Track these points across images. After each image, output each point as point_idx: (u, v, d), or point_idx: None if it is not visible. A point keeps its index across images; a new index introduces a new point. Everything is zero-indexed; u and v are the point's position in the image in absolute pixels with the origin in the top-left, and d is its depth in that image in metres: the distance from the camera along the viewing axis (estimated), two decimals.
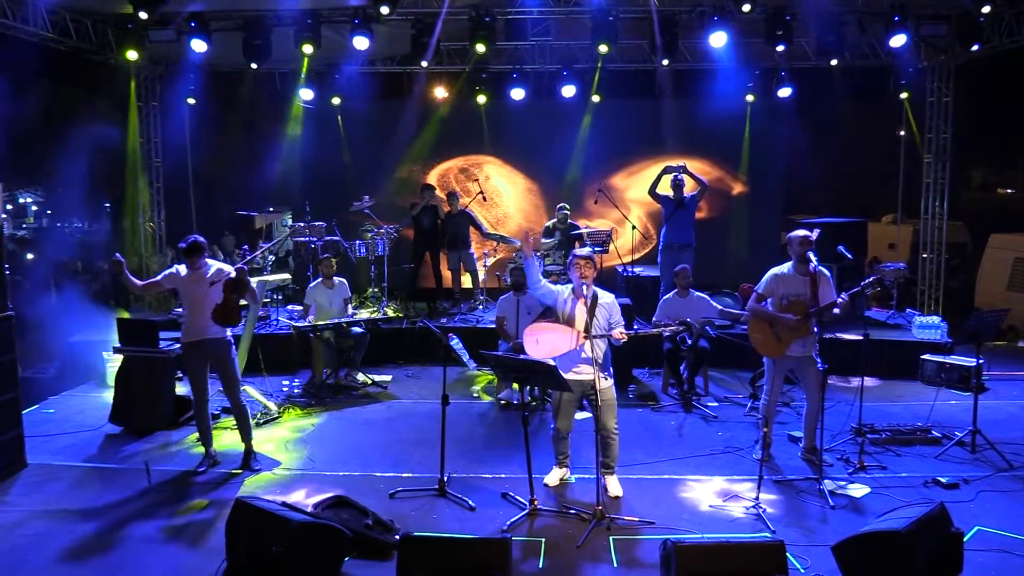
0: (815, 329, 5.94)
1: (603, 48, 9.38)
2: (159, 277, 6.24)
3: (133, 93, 11.25)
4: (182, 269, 6.08)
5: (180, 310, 6.16)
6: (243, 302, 6.28)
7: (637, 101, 12.44)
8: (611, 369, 5.66)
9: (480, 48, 9.43)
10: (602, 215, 12.03)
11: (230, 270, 6.00)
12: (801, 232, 6.03)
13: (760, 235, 12.08)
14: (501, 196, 12.94)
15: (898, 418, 7.27)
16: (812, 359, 5.98)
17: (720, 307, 8.26)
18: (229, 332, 6.18)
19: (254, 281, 7.77)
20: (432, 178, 12.68)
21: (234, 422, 6.47)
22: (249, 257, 6.36)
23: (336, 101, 11.91)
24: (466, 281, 11.21)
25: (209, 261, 6.15)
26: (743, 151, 12.41)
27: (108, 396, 7.46)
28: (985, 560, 4.66)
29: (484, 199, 11.94)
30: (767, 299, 6.08)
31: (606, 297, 5.61)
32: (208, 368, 6.18)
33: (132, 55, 9.41)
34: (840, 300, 5.76)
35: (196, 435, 6.76)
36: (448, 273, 11.12)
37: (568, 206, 10.71)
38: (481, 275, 10.98)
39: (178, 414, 7.33)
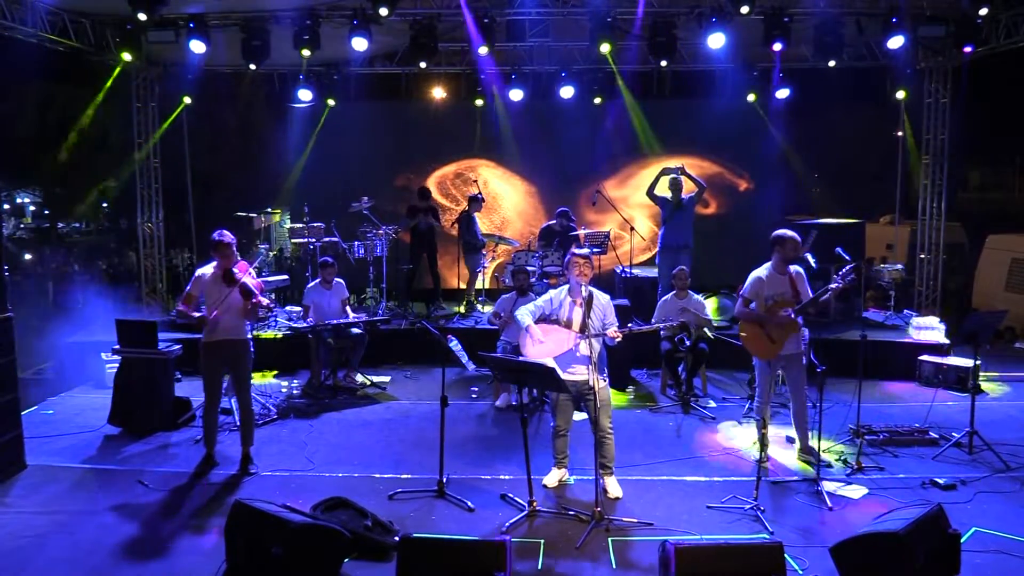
0: (805, 329, 5.99)
1: (605, 47, 9.39)
2: (189, 288, 6.17)
3: (132, 93, 11.25)
4: (207, 271, 6.10)
5: (181, 309, 6.13)
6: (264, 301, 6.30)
7: (635, 102, 12.44)
8: (606, 370, 5.68)
9: (483, 50, 9.42)
10: (602, 223, 11.96)
11: (243, 276, 6.08)
12: (794, 233, 6.09)
13: (759, 236, 12.03)
14: (501, 200, 12.94)
15: (896, 419, 7.28)
16: (799, 357, 6.02)
17: (709, 316, 8.28)
18: (250, 334, 6.22)
19: (251, 282, 7.78)
20: (430, 184, 12.68)
21: (237, 424, 6.47)
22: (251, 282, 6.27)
23: (332, 102, 11.90)
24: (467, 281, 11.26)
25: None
26: (741, 152, 12.43)
27: (107, 397, 7.46)
28: (982, 561, 4.68)
29: (483, 201, 11.95)
30: (752, 303, 6.11)
31: (601, 297, 5.63)
32: (225, 369, 6.19)
33: (130, 56, 9.41)
34: (834, 286, 5.77)
35: (195, 436, 6.78)
36: (465, 272, 11.12)
37: (568, 208, 10.73)
38: (481, 278, 11.00)
39: (177, 415, 7.33)
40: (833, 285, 5.80)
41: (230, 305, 6.02)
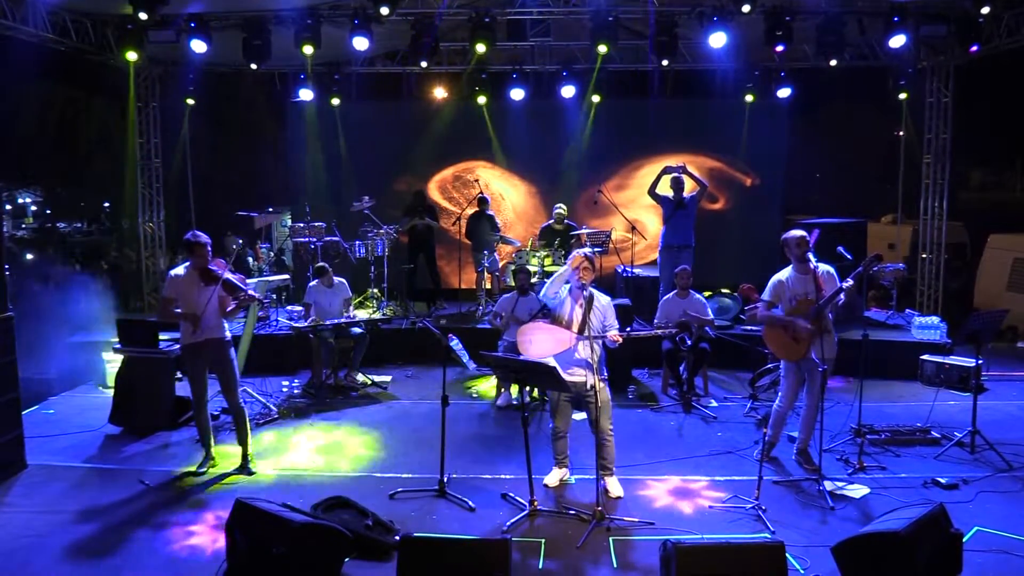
0: (833, 330, 5.90)
1: (602, 48, 9.38)
2: (165, 292, 6.12)
3: (132, 93, 11.24)
4: (179, 272, 6.06)
5: (179, 310, 6.10)
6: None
7: (637, 101, 12.43)
8: (606, 371, 5.66)
9: (480, 48, 9.41)
10: (606, 226, 11.91)
11: (224, 273, 6.02)
12: (797, 233, 6.04)
13: (760, 235, 12.08)
14: (502, 201, 12.91)
15: (897, 419, 7.27)
16: (827, 362, 5.93)
17: (711, 316, 8.26)
18: (228, 332, 6.18)
19: (252, 281, 7.81)
20: (432, 187, 12.67)
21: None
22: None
23: (336, 101, 11.89)
24: (470, 282, 11.24)
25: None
26: (743, 151, 12.42)
27: (108, 397, 7.46)
28: (984, 561, 4.67)
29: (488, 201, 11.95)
30: (776, 306, 6.06)
31: (602, 299, 5.61)
32: (208, 369, 6.17)
33: (132, 56, 9.40)
34: (845, 285, 5.73)
35: (195, 436, 6.76)
36: (474, 274, 11.12)
37: (564, 205, 10.71)
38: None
39: (178, 415, 7.32)
40: (848, 283, 5.75)
41: (211, 304, 5.95)
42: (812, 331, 5.83)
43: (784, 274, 6.07)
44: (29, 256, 17.47)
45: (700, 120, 12.28)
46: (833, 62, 10.05)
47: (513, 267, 9.02)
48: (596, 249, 9.65)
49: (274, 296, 10.33)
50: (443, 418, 5.75)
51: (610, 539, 4.99)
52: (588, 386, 5.44)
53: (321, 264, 8.87)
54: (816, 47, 9.89)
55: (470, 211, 10.99)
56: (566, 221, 10.61)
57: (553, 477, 5.89)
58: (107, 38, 9.91)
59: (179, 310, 5.97)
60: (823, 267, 5.97)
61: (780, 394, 6.29)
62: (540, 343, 5.52)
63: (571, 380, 5.48)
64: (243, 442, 6.25)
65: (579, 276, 5.50)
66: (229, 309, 6.07)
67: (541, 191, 12.79)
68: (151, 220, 11.70)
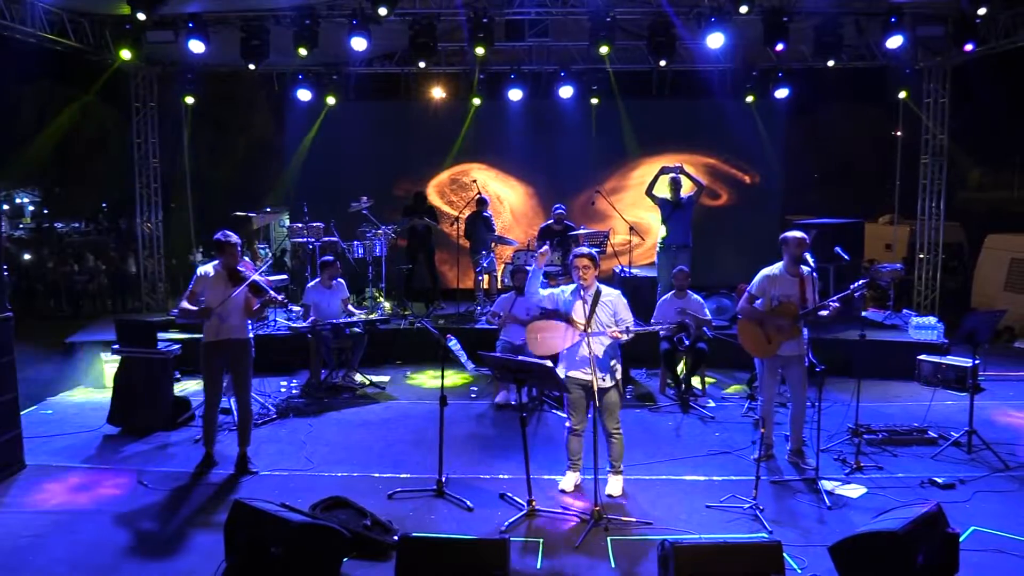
0: (805, 330, 5.96)
1: (604, 49, 9.39)
2: (192, 286, 6.09)
3: (131, 93, 11.24)
4: (208, 269, 6.08)
5: (184, 306, 6.09)
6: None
7: (635, 102, 12.44)
8: (619, 368, 5.59)
9: (479, 51, 9.42)
10: (605, 227, 11.90)
11: (251, 274, 6.05)
12: (798, 233, 6.05)
13: (758, 236, 12.08)
14: (500, 203, 12.90)
15: (895, 419, 7.29)
16: (800, 359, 6.00)
17: (709, 316, 8.26)
18: (251, 333, 6.20)
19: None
20: (430, 190, 12.66)
21: (235, 424, 6.46)
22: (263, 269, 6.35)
23: (333, 100, 11.89)
24: (468, 282, 11.24)
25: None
26: (741, 152, 12.43)
27: (106, 397, 7.45)
28: (981, 560, 4.68)
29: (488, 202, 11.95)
30: (758, 300, 6.10)
31: (610, 294, 5.59)
32: (225, 368, 6.18)
33: (129, 55, 9.40)
34: (832, 304, 5.78)
35: (194, 436, 6.77)
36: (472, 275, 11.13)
37: (564, 206, 10.71)
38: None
39: (176, 415, 7.32)
40: (834, 303, 5.79)
41: (235, 304, 5.99)
42: (785, 334, 5.92)
43: (773, 270, 6.09)
44: (27, 256, 17.45)
45: (698, 121, 12.28)
46: (831, 63, 10.07)
47: (511, 267, 9.02)
48: (595, 249, 9.66)
49: (283, 297, 10.32)
50: (441, 418, 5.76)
51: (608, 539, 5.00)
52: (596, 384, 5.40)
53: (327, 258, 8.84)
54: (814, 48, 9.91)
55: (468, 212, 11.00)
56: (565, 222, 10.61)
57: (568, 482, 5.79)
58: (105, 38, 9.90)
59: (196, 307, 5.96)
60: (806, 268, 6.00)
61: (759, 391, 6.35)
62: (547, 340, 5.51)
63: (582, 378, 5.47)
64: (243, 442, 6.25)
65: (579, 276, 5.50)
66: (255, 308, 6.11)
67: (539, 192, 12.79)
68: (149, 220, 11.69)
